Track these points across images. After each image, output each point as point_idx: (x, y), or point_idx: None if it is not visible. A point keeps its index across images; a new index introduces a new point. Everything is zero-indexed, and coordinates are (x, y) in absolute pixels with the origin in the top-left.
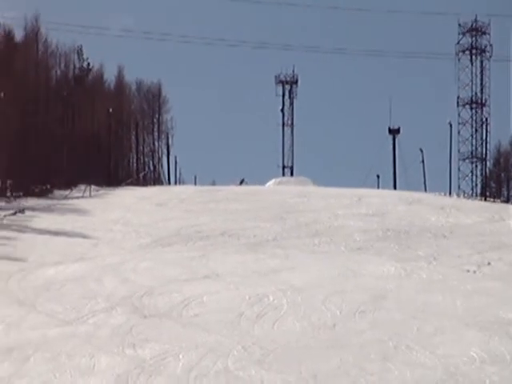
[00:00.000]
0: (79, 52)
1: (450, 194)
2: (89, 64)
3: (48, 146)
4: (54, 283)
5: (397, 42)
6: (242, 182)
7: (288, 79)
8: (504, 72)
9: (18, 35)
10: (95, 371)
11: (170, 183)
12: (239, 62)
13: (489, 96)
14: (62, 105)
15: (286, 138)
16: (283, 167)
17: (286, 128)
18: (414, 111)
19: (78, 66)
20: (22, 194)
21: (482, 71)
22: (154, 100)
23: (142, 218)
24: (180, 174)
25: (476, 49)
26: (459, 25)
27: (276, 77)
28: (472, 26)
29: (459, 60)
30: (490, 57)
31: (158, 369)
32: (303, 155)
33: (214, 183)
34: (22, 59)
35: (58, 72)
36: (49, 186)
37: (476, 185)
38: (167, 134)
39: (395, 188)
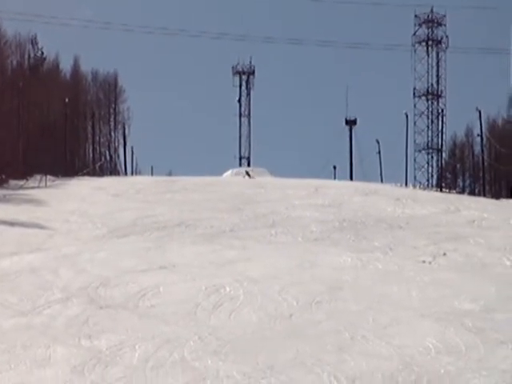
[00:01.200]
0: (34, 41)
1: (406, 184)
2: (43, 53)
3: (3, 135)
4: (9, 274)
5: (354, 33)
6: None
7: (245, 70)
8: (459, 63)
9: None
10: (51, 362)
11: (126, 174)
12: (196, 53)
13: (445, 87)
14: (18, 94)
15: (242, 129)
16: (240, 158)
17: (242, 119)
18: (371, 102)
19: (32, 55)
20: None
21: (437, 62)
22: (110, 90)
23: (98, 208)
24: (136, 164)
25: (432, 40)
26: (415, 16)
27: (233, 67)
28: (428, 17)
29: (415, 51)
30: (446, 48)
31: (115, 359)
32: (260, 146)
33: (170, 174)
34: None
35: (14, 62)
36: (4, 176)
37: (432, 176)
38: (124, 124)
39: (351, 179)
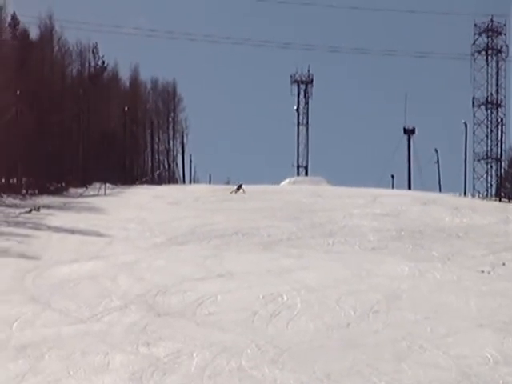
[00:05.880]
0: (94, 50)
1: (464, 194)
2: (104, 62)
3: (63, 144)
4: (68, 281)
5: (413, 42)
6: (239, 188)
7: (303, 79)
8: None
9: (34, 34)
10: (109, 369)
11: (184, 182)
12: (255, 62)
13: (504, 96)
14: (78, 103)
15: (300, 138)
16: (298, 167)
17: (300, 127)
18: (430, 111)
19: (93, 64)
20: (37, 191)
21: (497, 72)
22: (168, 99)
23: (156, 216)
24: (195, 172)
25: (492, 49)
26: (475, 25)
27: (291, 76)
28: (488, 26)
29: (475, 60)
30: (506, 57)
31: (172, 367)
32: (318, 155)
33: (228, 182)
34: (38, 58)
35: (74, 70)
36: (64, 184)
37: (491, 185)
38: (182, 132)
39: (410, 188)
